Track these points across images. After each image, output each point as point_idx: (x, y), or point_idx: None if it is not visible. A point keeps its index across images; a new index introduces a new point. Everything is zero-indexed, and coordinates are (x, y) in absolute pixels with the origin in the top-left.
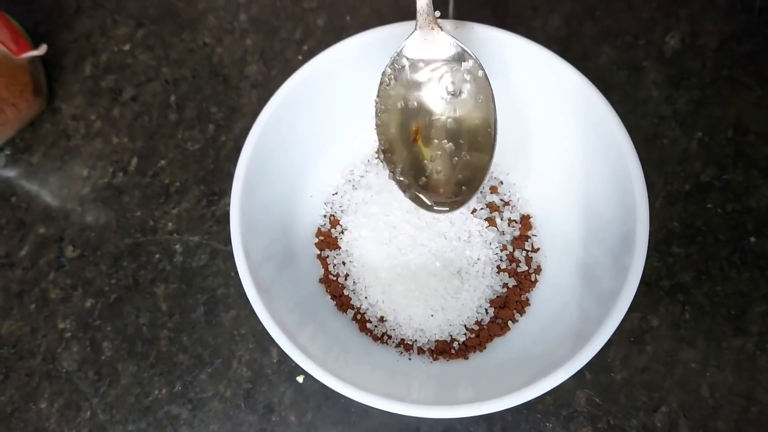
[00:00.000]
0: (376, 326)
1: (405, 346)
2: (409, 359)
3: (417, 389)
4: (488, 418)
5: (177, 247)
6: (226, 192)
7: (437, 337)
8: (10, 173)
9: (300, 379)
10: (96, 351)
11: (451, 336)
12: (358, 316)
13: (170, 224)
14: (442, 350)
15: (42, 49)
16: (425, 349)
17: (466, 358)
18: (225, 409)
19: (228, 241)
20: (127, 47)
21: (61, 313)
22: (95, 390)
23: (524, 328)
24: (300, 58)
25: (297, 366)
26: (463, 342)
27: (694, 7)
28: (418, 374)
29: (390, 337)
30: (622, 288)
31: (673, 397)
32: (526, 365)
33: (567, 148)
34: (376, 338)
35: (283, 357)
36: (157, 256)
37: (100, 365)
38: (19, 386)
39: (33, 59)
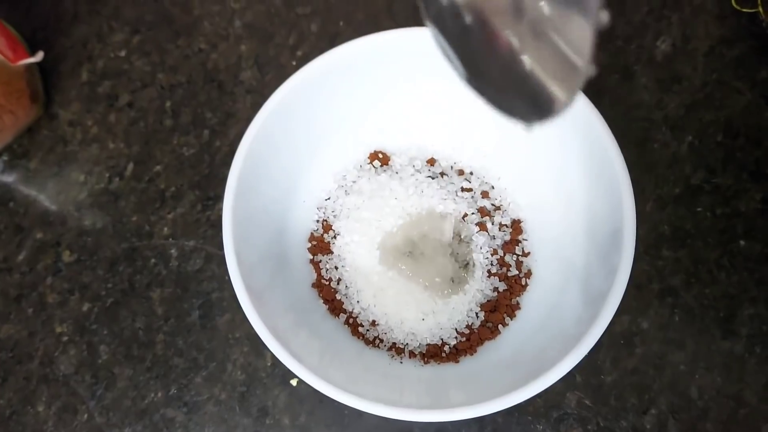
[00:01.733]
0: (368, 330)
1: (396, 350)
2: (401, 363)
3: (408, 393)
4: (479, 420)
5: (172, 251)
6: (220, 197)
7: (428, 341)
8: (8, 179)
9: (294, 382)
10: (93, 354)
11: (442, 340)
12: (350, 320)
13: (166, 229)
14: (434, 354)
15: (39, 56)
16: (416, 352)
17: (457, 362)
18: (220, 412)
19: (222, 245)
20: (123, 53)
21: (59, 317)
22: (92, 393)
23: (515, 332)
24: (294, 63)
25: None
26: (454, 346)
27: (684, 11)
28: (409, 378)
29: (382, 340)
30: (611, 288)
31: (663, 399)
32: (516, 368)
33: (556, 153)
34: (368, 342)
35: (277, 360)
36: (153, 260)
37: (96, 369)
38: (17, 389)
39: (30, 66)
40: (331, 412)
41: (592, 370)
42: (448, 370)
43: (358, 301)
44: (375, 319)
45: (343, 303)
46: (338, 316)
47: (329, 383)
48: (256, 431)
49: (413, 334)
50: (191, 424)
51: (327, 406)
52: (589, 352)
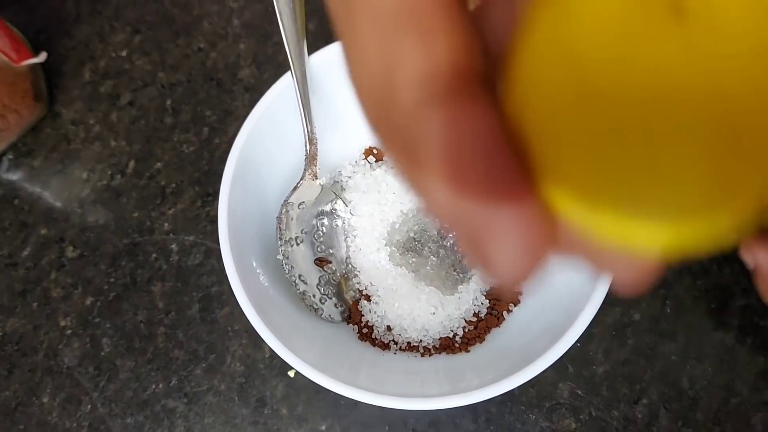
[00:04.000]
0: (383, 335)
1: (410, 349)
2: (394, 354)
3: (404, 382)
4: (473, 409)
5: (173, 246)
6: (220, 193)
7: (441, 335)
8: (13, 176)
9: (291, 373)
10: (96, 347)
11: (452, 331)
12: (365, 330)
13: (166, 224)
14: (446, 346)
15: (42, 57)
16: (430, 347)
17: (468, 351)
18: (219, 403)
19: None
20: (124, 53)
21: (62, 311)
22: (95, 384)
23: (517, 320)
24: None
25: None
26: (464, 335)
27: None
28: (403, 368)
29: (396, 342)
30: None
31: (654, 389)
32: (508, 358)
33: None
34: (383, 347)
35: (275, 352)
36: (154, 255)
37: (99, 361)
38: (23, 381)
39: (33, 66)
40: (327, 403)
41: (585, 360)
42: (442, 359)
43: (374, 311)
44: (389, 324)
45: (362, 312)
46: (353, 324)
47: (325, 374)
48: (254, 421)
49: (426, 330)
50: (191, 414)
51: (324, 396)
52: (581, 344)
